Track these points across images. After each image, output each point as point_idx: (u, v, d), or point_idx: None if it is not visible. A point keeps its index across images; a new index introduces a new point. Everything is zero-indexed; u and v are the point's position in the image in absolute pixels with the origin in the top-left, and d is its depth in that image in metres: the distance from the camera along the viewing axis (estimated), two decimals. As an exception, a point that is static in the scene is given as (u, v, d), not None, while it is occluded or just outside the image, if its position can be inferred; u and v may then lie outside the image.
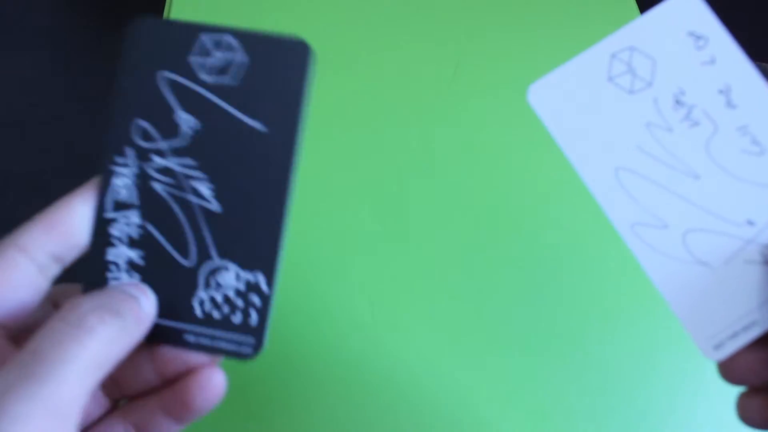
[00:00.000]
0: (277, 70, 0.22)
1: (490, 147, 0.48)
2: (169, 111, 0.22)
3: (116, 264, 0.22)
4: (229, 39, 0.22)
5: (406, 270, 0.42)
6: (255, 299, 0.22)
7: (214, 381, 0.22)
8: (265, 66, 0.22)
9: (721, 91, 0.23)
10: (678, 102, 0.23)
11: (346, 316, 0.40)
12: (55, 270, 0.21)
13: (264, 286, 0.22)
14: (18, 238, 0.20)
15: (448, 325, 0.40)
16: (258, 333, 0.22)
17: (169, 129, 0.22)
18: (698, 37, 0.23)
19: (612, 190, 0.24)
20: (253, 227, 0.22)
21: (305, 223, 0.42)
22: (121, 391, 0.23)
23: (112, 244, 0.22)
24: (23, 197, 1.10)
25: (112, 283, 0.22)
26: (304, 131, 0.22)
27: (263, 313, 0.22)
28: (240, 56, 0.22)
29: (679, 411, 0.38)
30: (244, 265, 0.22)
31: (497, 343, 0.40)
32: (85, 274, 0.22)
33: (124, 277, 0.22)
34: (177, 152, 0.22)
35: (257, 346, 0.22)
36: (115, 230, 0.22)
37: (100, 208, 0.22)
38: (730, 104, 0.23)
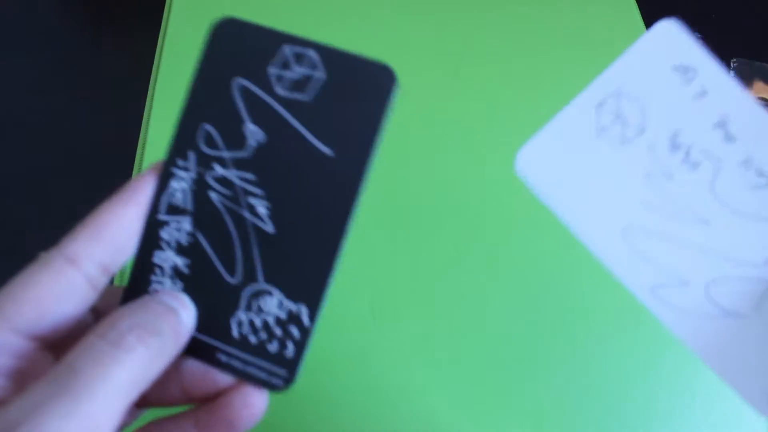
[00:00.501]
0: (356, 94, 0.21)
1: (491, 150, 0.48)
2: (238, 120, 0.21)
3: (161, 268, 0.22)
4: (312, 54, 0.21)
5: (407, 270, 0.42)
6: (294, 331, 0.21)
7: (258, 398, 0.21)
8: (344, 88, 0.21)
9: (717, 125, 0.21)
10: (674, 145, 0.22)
11: (346, 316, 0.40)
12: (104, 281, 0.20)
13: (305, 319, 0.21)
14: (66, 248, 0.20)
15: (449, 325, 0.40)
16: (291, 366, 0.21)
17: (235, 139, 0.21)
18: (685, 70, 0.21)
19: (623, 254, 0.22)
20: (304, 256, 0.21)
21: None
22: (144, 399, 0.22)
23: (160, 247, 0.22)
24: (23, 197, 1.10)
25: (155, 287, 0.22)
26: (374, 163, 0.21)
27: (300, 346, 0.21)
28: (320, 73, 0.21)
29: (679, 411, 0.38)
30: (289, 293, 0.21)
31: (498, 344, 0.40)
32: (129, 274, 0.22)
33: (168, 282, 0.22)
34: (239, 164, 0.21)
35: (288, 379, 0.21)
36: (165, 233, 0.22)
37: (153, 209, 0.22)
38: (728, 138, 0.21)
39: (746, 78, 0.59)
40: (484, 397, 0.38)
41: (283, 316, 0.21)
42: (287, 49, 0.21)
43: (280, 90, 0.21)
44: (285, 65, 0.21)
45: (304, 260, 0.21)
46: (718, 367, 0.22)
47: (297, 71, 0.21)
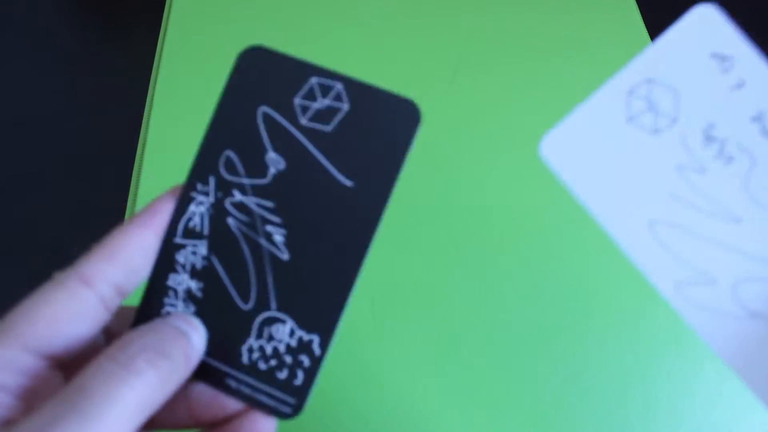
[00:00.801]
0: (379, 127, 0.21)
1: (488, 148, 0.48)
2: (261, 148, 0.21)
3: (175, 291, 0.22)
4: (338, 87, 0.21)
5: (408, 270, 0.42)
6: (304, 359, 0.21)
7: (266, 425, 0.21)
8: (368, 121, 0.21)
9: (754, 119, 0.20)
10: (708, 137, 0.21)
11: (346, 316, 0.40)
12: (117, 302, 0.20)
13: (316, 348, 0.21)
14: (80, 269, 0.19)
15: (449, 324, 0.40)
16: (300, 394, 0.21)
17: (256, 166, 0.21)
18: (723, 59, 0.20)
19: (650, 248, 0.21)
20: (318, 286, 0.21)
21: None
22: (152, 422, 0.22)
23: (174, 270, 0.22)
24: (23, 197, 1.10)
25: (168, 309, 0.22)
26: (393, 197, 0.21)
27: (310, 374, 0.21)
28: (344, 106, 0.21)
29: (679, 411, 0.38)
30: (301, 322, 0.21)
31: (498, 343, 0.40)
32: (142, 295, 0.22)
33: (180, 305, 0.22)
34: (258, 191, 0.21)
35: (297, 408, 0.21)
36: (180, 257, 0.22)
37: (170, 232, 0.22)
38: (765, 132, 0.20)
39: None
40: (485, 397, 0.38)
41: (294, 344, 0.21)
42: (314, 81, 0.21)
43: (303, 120, 0.21)
44: (311, 96, 0.21)
45: (318, 290, 0.21)
46: (740, 371, 0.20)
47: (322, 102, 0.21)
